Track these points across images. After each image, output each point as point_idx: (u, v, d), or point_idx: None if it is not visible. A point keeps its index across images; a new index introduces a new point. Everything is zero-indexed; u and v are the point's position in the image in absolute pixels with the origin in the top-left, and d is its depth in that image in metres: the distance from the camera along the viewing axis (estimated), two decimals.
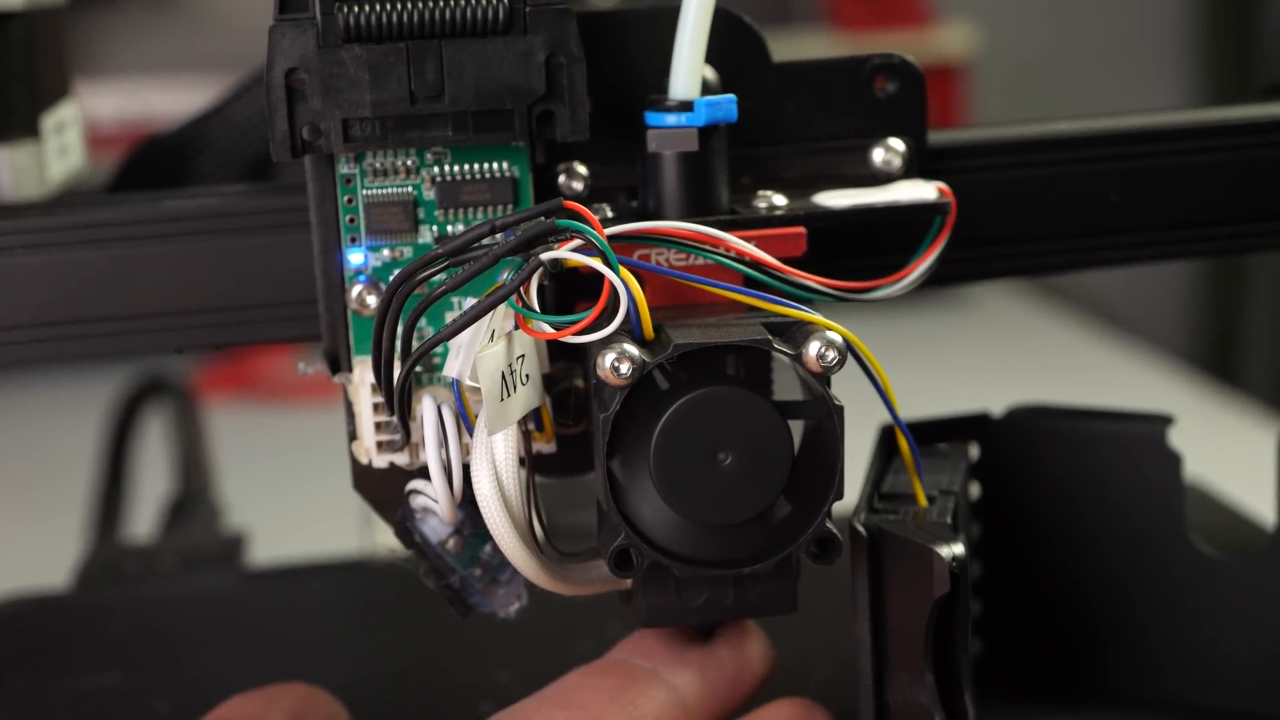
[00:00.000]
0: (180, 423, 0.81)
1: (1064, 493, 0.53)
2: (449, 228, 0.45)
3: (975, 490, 0.53)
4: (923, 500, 0.46)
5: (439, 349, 0.45)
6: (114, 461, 0.83)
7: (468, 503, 0.45)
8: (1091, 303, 1.54)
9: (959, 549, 0.43)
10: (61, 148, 0.56)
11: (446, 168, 0.45)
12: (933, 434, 0.51)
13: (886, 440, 0.50)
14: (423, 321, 0.45)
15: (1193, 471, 0.54)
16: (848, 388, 0.43)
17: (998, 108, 1.54)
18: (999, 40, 1.58)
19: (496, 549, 0.45)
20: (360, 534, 0.79)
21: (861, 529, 0.45)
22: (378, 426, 0.45)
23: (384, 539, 0.69)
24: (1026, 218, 0.50)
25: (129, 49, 1.38)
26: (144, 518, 0.86)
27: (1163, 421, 0.52)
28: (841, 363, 0.42)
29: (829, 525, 0.43)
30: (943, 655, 0.44)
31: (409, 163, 0.45)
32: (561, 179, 0.46)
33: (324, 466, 0.91)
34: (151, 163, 0.57)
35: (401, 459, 0.46)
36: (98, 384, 1.02)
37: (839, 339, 0.42)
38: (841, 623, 0.57)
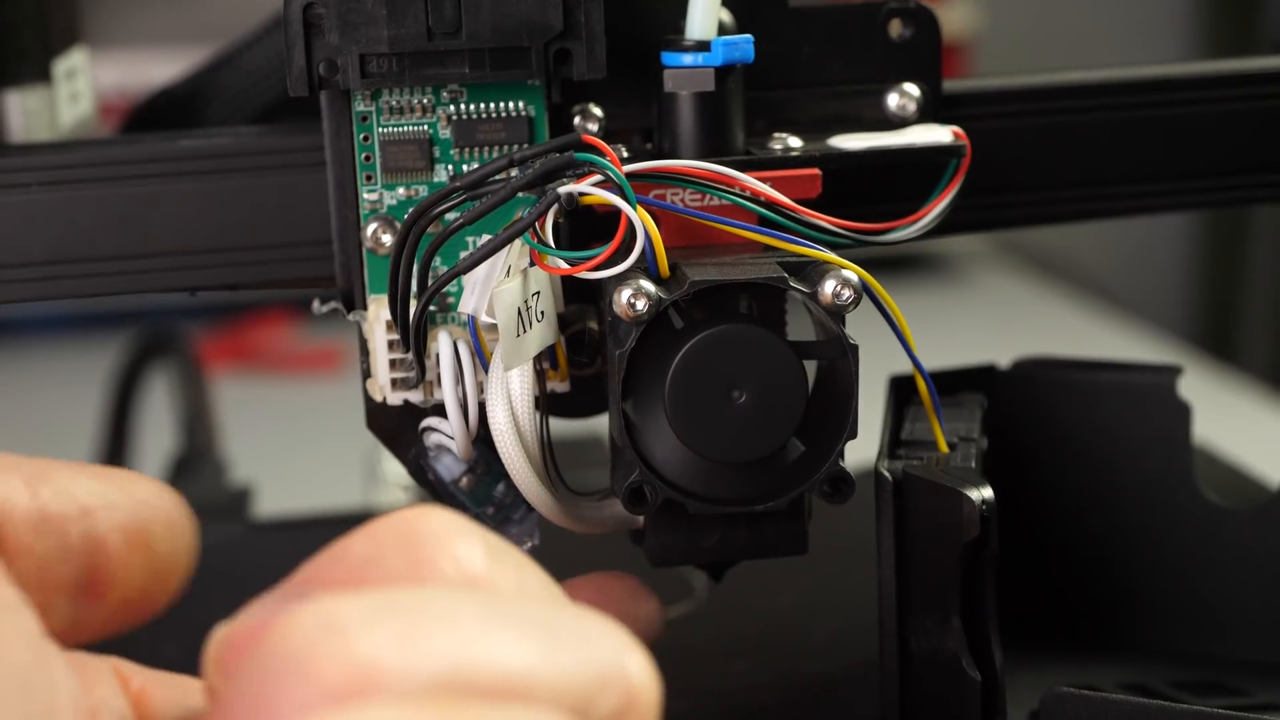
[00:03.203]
0: (185, 380, 0.81)
1: (1072, 443, 0.53)
2: (464, 167, 0.45)
3: (982, 443, 0.53)
4: (944, 446, 0.46)
5: (454, 287, 0.45)
6: (118, 419, 0.83)
7: (481, 442, 0.45)
8: (1087, 280, 1.54)
9: (988, 492, 0.43)
10: (72, 94, 0.56)
11: (463, 106, 0.45)
12: (938, 386, 0.51)
13: (899, 391, 0.50)
14: (437, 261, 0.45)
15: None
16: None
17: None
18: (1000, 17, 1.58)
19: (509, 488, 0.45)
20: (364, 494, 0.80)
21: (886, 473, 0.44)
22: (392, 364, 0.45)
23: (389, 495, 0.69)
24: (1039, 165, 0.50)
25: (131, 19, 1.38)
26: (148, 475, 0.86)
27: (1172, 372, 0.52)
28: (857, 301, 0.42)
29: (842, 464, 0.43)
30: (969, 600, 0.44)
31: (425, 101, 0.45)
32: (577, 120, 0.46)
33: (327, 433, 0.91)
34: (158, 113, 0.57)
35: (416, 396, 0.46)
36: (102, 344, 1.02)
37: (854, 278, 0.42)
38: (845, 577, 0.57)
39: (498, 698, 0.28)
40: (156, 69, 1.26)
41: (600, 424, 0.47)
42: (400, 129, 0.45)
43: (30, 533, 0.32)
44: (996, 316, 1.33)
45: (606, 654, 0.30)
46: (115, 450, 0.83)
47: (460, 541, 0.31)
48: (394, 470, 0.48)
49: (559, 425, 0.47)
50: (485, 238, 0.44)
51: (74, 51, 0.57)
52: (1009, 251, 1.48)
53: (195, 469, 0.77)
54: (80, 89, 0.57)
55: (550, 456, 0.45)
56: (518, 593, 0.31)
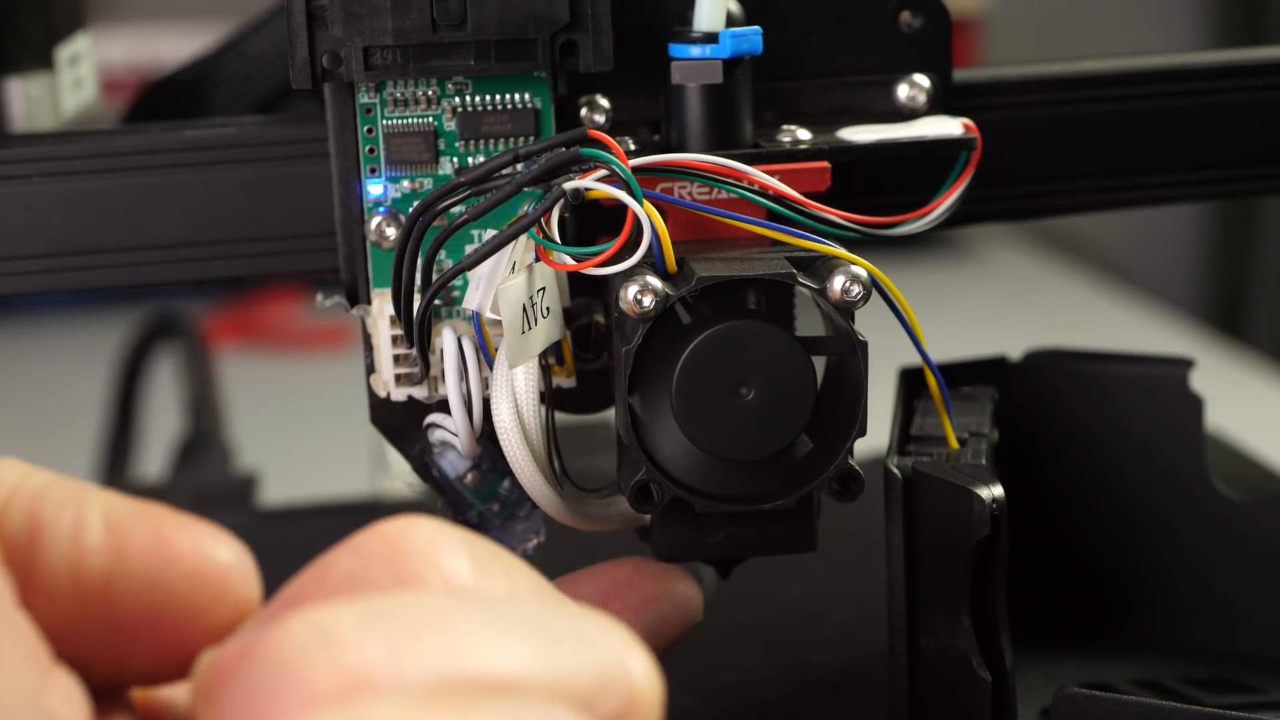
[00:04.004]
0: (191, 364, 0.80)
1: (1084, 436, 0.53)
2: (470, 159, 0.45)
3: (993, 436, 0.53)
4: (954, 442, 0.46)
5: (458, 282, 0.45)
6: (124, 403, 0.82)
7: (486, 438, 0.45)
8: (1098, 257, 1.53)
9: (998, 490, 0.42)
10: (75, 80, 0.56)
11: (468, 98, 0.45)
12: (948, 378, 0.51)
13: (908, 385, 0.49)
14: (442, 255, 0.44)
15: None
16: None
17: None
18: None
19: (515, 484, 0.45)
20: (372, 478, 0.79)
21: (896, 470, 0.44)
22: (396, 359, 0.45)
23: (395, 483, 0.69)
24: (1050, 156, 0.50)
25: None
26: (154, 459, 0.86)
27: (1184, 364, 0.52)
28: (866, 297, 0.41)
29: (851, 462, 0.43)
30: (979, 599, 0.43)
31: (430, 92, 0.45)
32: (583, 112, 0.46)
33: (334, 413, 0.91)
34: (163, 99, 0.57)
35: (420, 392, 0.45)
36: (108, 326, 1.01)
37: (864, 273, 0.41)
38: (856, 567, 0.57)
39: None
40: (165, 45, 1.25)
41: (606, 411, 0.47)
42: (405, 121, 0.45)
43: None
44: (1007, 294, 1.33)
45: (607, 654, 0.30)
46: (121, 433, 0.82)
47: (446, 554, 0.31)
48: (399, 459, 0.47)
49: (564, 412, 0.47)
50: (490, 233, 0.44)
51: (77, 37, 0.56)
52: (1020, 229, 1.48)
53: (201, 454, 0.77)
54: (84, 75, 0.57)
55: (556, 453, 0.45)
56: (509, 599, 0.31)
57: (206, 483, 0.73)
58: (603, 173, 0.41)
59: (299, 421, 1.05)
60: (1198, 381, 0.52)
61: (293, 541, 0.63)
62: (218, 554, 0.31)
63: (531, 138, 0.45)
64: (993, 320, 1.23)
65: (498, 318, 0.42)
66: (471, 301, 0.42)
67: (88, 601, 0.31)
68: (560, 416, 0.46)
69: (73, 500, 0.31)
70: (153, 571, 0.31)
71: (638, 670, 0.30)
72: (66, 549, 0.31)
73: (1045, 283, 1.37)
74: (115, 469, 0.81)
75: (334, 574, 0.30)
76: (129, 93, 0.56)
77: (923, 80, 0.48)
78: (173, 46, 1.23)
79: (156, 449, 0.86)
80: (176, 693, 0.33)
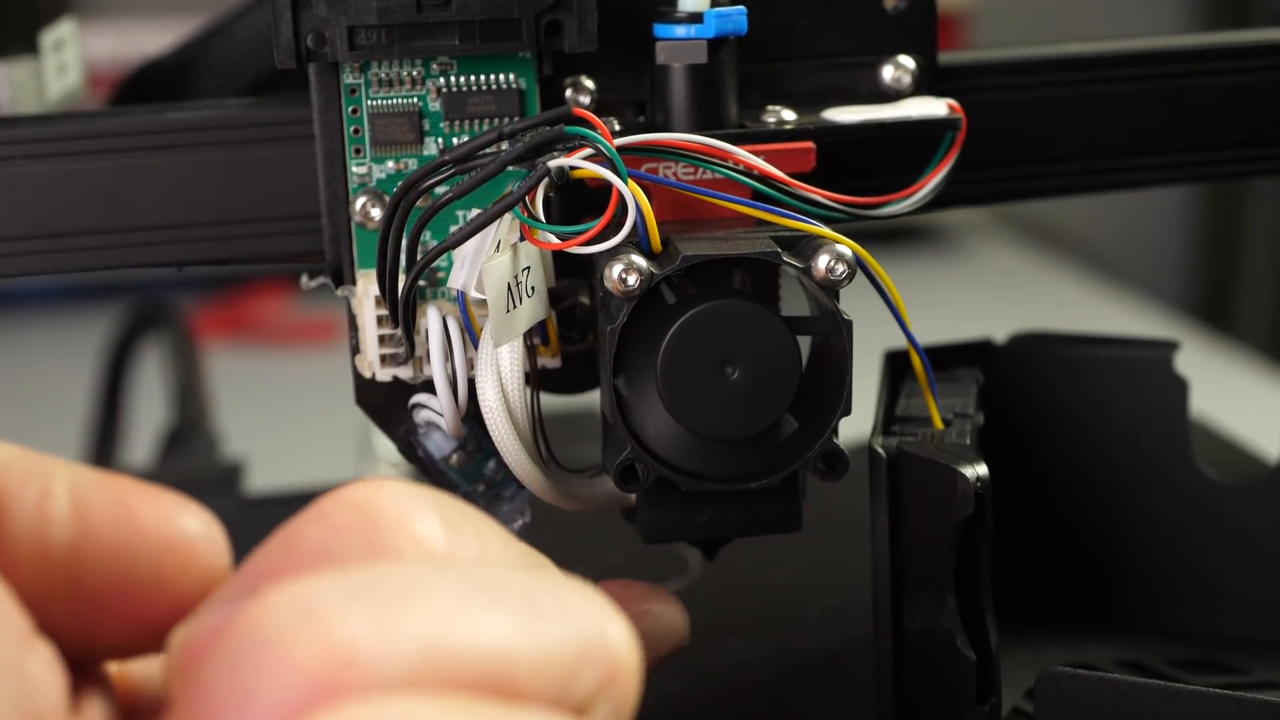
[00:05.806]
0: (177, 353, 0.80)
1: (1069, 419, 0.53)
2: (454, 140, 0.45)
3: (978, 419, 0.53)
4: (938, 422, 0.46)
5: (444, 262, 0.45)
6: (110, 393, 0.82)
7: (471, 419, 0.45)
8: (1084, 252, 1.53)
9: (982, 469, 0.42)
10: (60, 65, 0.56)
11: (452, 78, 0.45)
12: (933, 361, 0.51)
13: (893, 367, 0.49)
14: (427, 235, 0.44)
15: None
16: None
17: None
18: None
19: (500, 465, 0.45)
20: (357, 469, 0.79)
21: (880, 450, 0.44)
22: (381, 339, 0.45)
23: (380, 468, 0.69)
24: (1035, 138, 0.50)
25: None
26: (140, 449, 0.85)
27: (1169, 347, 0.52)
28: (851, 276, 0.41)
29: (836, 441, 0.43)
30: (964, 578, 0.43)
31: (415, 73, 0.45)
32: (568, 93, 0.46)
33: (321, 407, 0.91)
34: (149, 84, 0.56)
35: (405, 372, 0.45)
36: (94, 317, 1.01)
37: (848, 252, 0.41)
38: (842, 553, 0.57)
39: (479, 677, 0.28)
40: (150, 39, 1.25)
41: (593, 397, 0.47)
42: (389, 101, 0.45)
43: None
44: (994, 288, 1.33)
45: (587, 623, 0.30)
46: (107, 425, 0.82)
47: (417, 520, 0.30)
48: (386, 445, 0.47)
49: (552, 398, 0.47)
50: (475, 212, 0.43)
51: (62, 22, 0.56)
52: (1007, 223, 1.48)
53: (187, 443, 0.76)
54: (68, 60, 0.57)
55: (541, 433, 0.45)
56: (481, 562, 0.31)
57: (192, 471, 0.73)
58: (588, 151, 0.41)
59: (286, 415, 1.05)
60: (1183, 373, 0.52)
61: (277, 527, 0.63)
62: (183, 523, 0.31)
63: (517, 118, 0.45)
64: (978, 315, 1.23)
65: (482, 297, 0.41)
66: (456, 280, 0.42)
67: (54, 573, 0.30)
68: (547, 402, 0.46)
69: (38, 472, 0.31)
70: (118, 542, 0.31)
71: (617, 639, 0.30)
72: (31, 520, 0.30)
73: (1031, 278, 1.37)
74: (102, 458, 0.81)
75: (304, 545, 0.30)
76: (114, 87, 0.56)
77: (908, 62, 0.48)
78: (158, 41, 1.23)
79: (143, 438, 0.86)
80: (152, 667, 0.33)
